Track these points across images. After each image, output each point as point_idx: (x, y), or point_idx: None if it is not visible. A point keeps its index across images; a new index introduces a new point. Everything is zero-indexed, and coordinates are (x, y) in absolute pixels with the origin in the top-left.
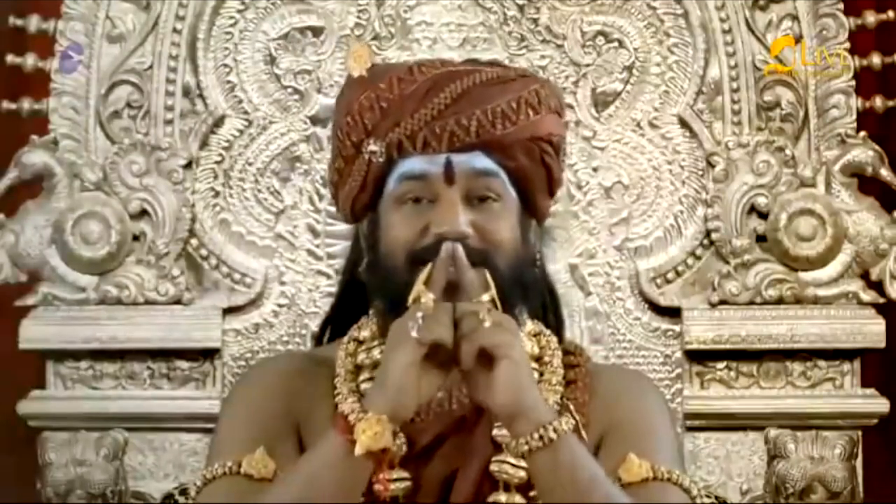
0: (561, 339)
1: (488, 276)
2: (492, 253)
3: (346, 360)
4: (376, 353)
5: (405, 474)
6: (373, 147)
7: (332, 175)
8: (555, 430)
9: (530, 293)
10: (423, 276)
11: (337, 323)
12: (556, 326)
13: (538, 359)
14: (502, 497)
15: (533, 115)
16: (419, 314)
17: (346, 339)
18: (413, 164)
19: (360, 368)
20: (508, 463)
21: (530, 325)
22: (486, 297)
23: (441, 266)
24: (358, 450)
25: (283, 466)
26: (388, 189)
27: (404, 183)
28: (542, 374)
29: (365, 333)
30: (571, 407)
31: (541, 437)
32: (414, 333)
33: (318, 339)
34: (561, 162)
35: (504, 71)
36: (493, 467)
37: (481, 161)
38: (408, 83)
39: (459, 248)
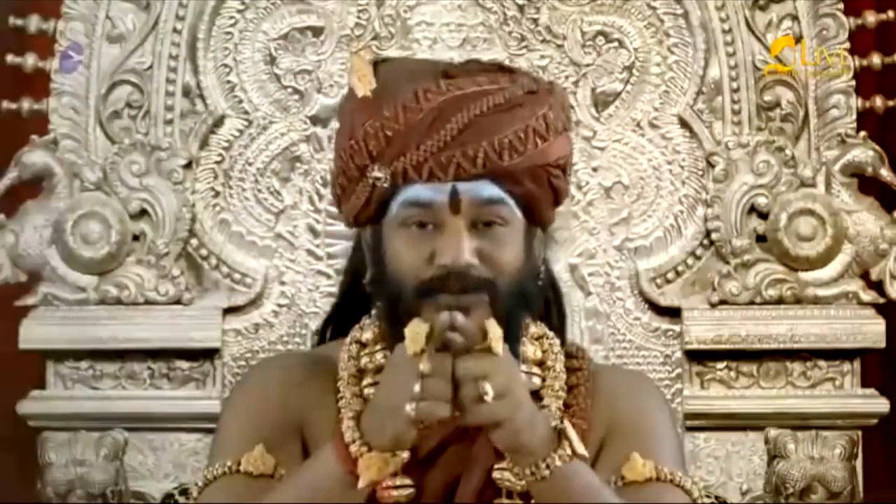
0: (563, 339)
1: (490, 324)
2: (496, 278)
3: (348, 363)
4: (379, 357)
5: (408, 481)
6: (377, 174)
7: (334, 188)
8: (547, 467)
9: (533, 304)
10: (420, 330)
11: (338, 322)
12: (560, 324)
13: (540, 363)
14: (504, 503)
15: (541, 143)
16: (416, 387)
17: (348, 339)
18: (418, 191)
19: (363, 372)
20: (510, 470)
21: (533, 329)
22: (485, 344)
23: (440, 329)
24: (362, 483)
25: (285, 465)
26: (391, 212)
27: (409, 209)
28: (544, 380)
29: (367, 335)
30: (569, 431)
31: (532, 474)
32: (411, 413)
33: (320, 339)
34: (567, 177)
35: (511, 89)
36: (496, 474)
37: (488, 189)
38: (413, 112)
39: (459, 318)
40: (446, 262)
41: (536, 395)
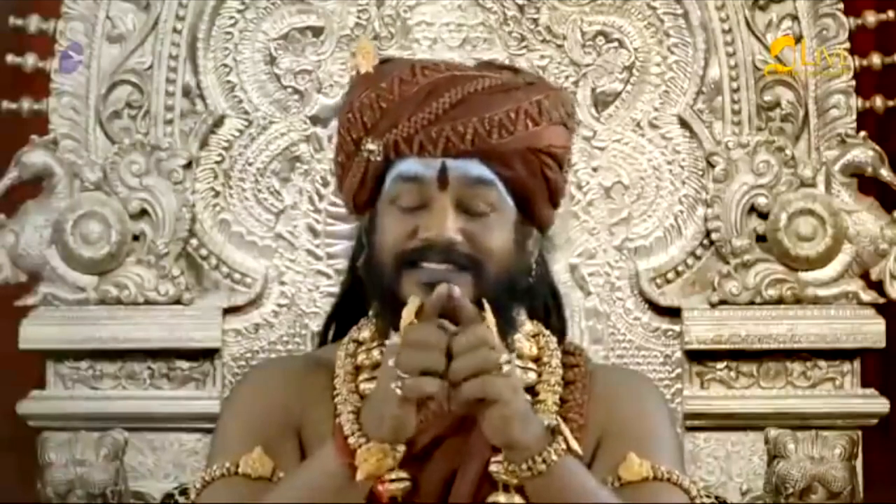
0: (562, 341)
1: (486, 306)
2: (481, 259)
3: (345, 361)
4: (376, 354)
5: (404, 475)
6: (371, 146)
7: (335, 168)
8: (543, 461)
9: (522, 300)
10: (412, 307)
11: (339, 323)
12: (560, 329)
13: (536, 359)
14: (501, 497)
15: (532, 126)
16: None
17: (345, 340)
18: (409, 165)
19: (360, 369)
20: (506, 465)
21: (529, 326)
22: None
23: (433, 305)
24: (360, 476)
25: (283, 467)
26: (384, 188)
27: (399, 184)
28: (540, 375)
29: (364, 334)
30: (563, 427)
31: (529, 469)
32: (398, 391)
33: (321, 340)
34: (565, 173)
35: (511, 78)
36: (492, 468)
37: (477, 169)
38: (409, 85)
39: (456, 290)
40: (429, 235)
41: (532, 391)
